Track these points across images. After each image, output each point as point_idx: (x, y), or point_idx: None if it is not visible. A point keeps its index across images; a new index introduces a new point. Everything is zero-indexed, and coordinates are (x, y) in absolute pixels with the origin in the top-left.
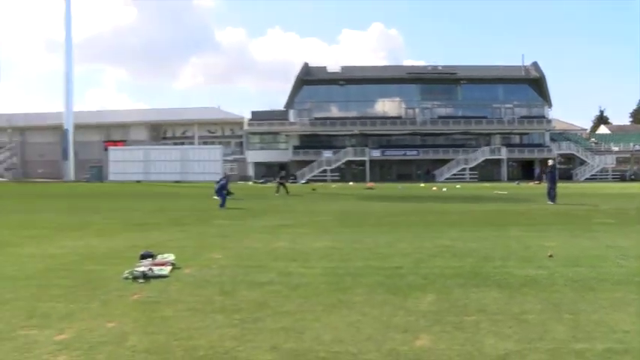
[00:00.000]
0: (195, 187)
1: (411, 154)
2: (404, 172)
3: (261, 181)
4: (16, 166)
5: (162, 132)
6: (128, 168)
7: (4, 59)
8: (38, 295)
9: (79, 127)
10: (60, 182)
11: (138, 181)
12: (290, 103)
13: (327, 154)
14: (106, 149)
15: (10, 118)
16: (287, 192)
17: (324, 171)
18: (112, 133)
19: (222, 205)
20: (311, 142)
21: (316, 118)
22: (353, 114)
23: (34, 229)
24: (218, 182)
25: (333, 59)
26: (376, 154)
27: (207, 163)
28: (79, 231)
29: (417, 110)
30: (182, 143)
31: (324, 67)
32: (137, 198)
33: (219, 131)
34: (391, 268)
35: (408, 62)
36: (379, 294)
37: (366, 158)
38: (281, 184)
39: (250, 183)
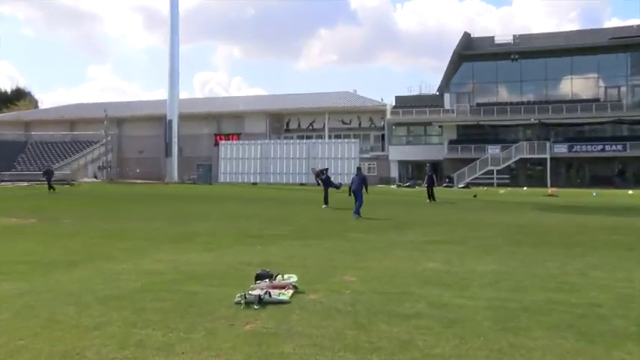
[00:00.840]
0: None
1: (613, 150)
2: (601, 173)
3: (407, 183)
4: (110, 164)
5: (284, 123)
6: (242, 167)
7: (98, 39)
8: (133, 320)
9: (184, 118)
10: (161, 184)
11: (254, 184)
12: (445, 86)
13: (494, 150)
14: (216, 144)
15: (106, 107)
16: (433, 198)
17: (489, 172)
18: (224, 124)
19: (357, 212)
20: (472, 134)
21: (479, 104)
22: (529, 97)
23: (130, 240)
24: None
25: (502, 26)
26: (561, 149)
27: (340, 161)
28: (182, 243)
29: (622, 90)
30: (309, 137)
31: (491, 38)
32: (253, 203)
33: (355, 122)
34: (584, 306)
35: (612, 23)
36: (567, 340)
37: (546, 155)
38: (429, 187)
39: (393, 186)
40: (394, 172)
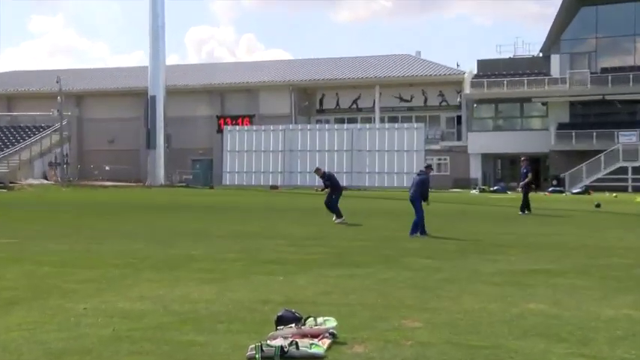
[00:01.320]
0: (375, 197)
1: None
2: None
3: (495, 187)
4: (67, 159)
5: (316, 101)
6: (256, 163)
7: None
8: None
9: (174, 94)
10: (142, 187)
11: (273, 187)
12: (554, 43)
13: (628, 137)
14: (219, 131)
15: (58, 77)
16: (528, 209)
17: (621, 170)
18: (230, 102)
19: (417, 229)
20: (594, 115)
21: (606, 70)
22: None
23: (97, 268)
24: (415, 184)
25: None
26: None
27: (397, 156)
28: (173, 271)
29: None
30: (352, 120)
31: None
32: (271, 215)
33: (419, 98)
34: None
35: None
36: None
37: None
38: (524, 190)
39: (474, 191)
40: (475, 171)
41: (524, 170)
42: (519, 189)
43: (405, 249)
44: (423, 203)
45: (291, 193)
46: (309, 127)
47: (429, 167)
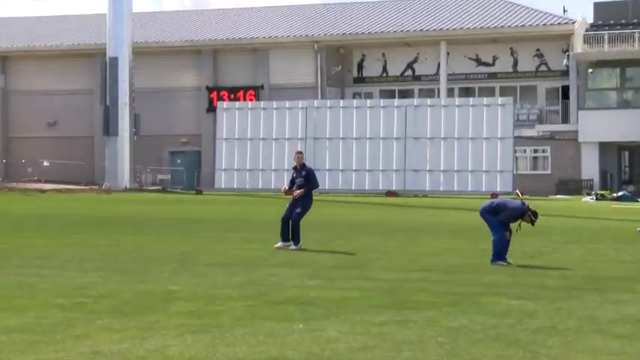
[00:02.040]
0: (439, 208)
1: None
2: None
3: (620, 193)
4: None
5: (353, 64)
6: (263, 157)
7: None
8: None
9: (143, 55)
10: (98, 192)
11: (289, 190)
12: None
13: None
14: (210, 110)
15: None
16: None
17: None
18: (226, 68)
19: (499, 256)
20: None
21: None
22: None
23: (31, 310)
24: (494, 207)
25: None
26: None
27: (472, 145)
28: (143, 314)
29: None
30: (406, 94)
31: None
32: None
33: (505, 59)
34: None
35: None
36: None
37: None
38: None
39: (588, 199)
40: (590, 169)
41: None
42: None
43: (483, 284)
44: (514, 224)
45: (316, 201)
46: (342, 103)
47: (523, 204)
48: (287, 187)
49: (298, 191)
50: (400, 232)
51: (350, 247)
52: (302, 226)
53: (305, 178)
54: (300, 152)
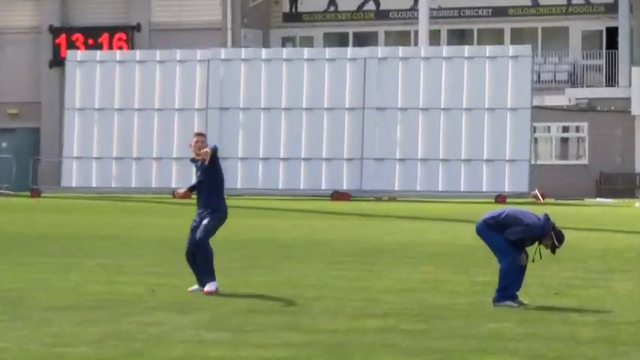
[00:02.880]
0: (415, 218)
1: None
2: None
3: None
4: None
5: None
6: (141, 141)
7: None
8: None
9: None
10: None
11: (186, 193)
12: None
13: None
14: (56, 62)
15: None
16: None
17: None
18: (78, 1)
19: (507, 296)
20: None
21: None
22: None
23: None
24: (500, 220)
25: None
26: None
27: (468, 117)
28: None
29: None
30: (364, 39)
31: None
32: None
33: None
34: None
35: None
36: None
37: None
38: None
39: None
40: None
41: None
42: None
43: (481, 335)
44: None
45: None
46: (264, 53)
47: (548, 220)
48: (183, 191)
49: (188, 193)
50: (352, 256)
51: (274, 278)
52: (186, 255)
53: (210, 173)
54: (200, 135)
